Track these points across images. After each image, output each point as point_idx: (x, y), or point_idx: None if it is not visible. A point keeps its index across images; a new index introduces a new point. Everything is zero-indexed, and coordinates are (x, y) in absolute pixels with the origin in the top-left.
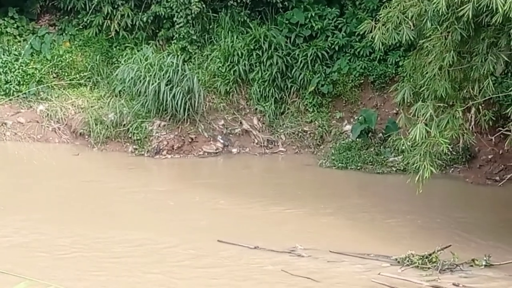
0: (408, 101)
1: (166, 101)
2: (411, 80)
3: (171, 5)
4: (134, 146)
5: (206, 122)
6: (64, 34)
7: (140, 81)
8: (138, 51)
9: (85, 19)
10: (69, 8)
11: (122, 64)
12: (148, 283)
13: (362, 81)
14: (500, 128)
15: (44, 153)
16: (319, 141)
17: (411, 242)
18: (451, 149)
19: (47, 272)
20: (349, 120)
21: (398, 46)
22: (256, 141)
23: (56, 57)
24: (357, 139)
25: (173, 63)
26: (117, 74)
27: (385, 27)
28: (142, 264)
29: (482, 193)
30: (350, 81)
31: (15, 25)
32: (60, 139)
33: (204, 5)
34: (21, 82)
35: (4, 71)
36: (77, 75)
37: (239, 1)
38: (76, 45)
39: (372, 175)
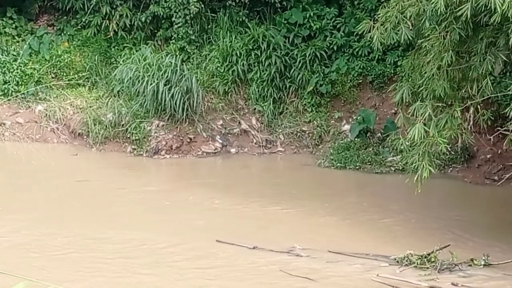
0: (407, 101)
1: (165, 101)
2: (410, 80)
3: (170, 5)
4: (133, 146)
5: (204, 122)
6: (62, 34)
7: (139, 81)
8: (136, 51)
9: (83, 19)
10: (67, 8)
11: (121, 64)
12: (147, 283)
13: (360, 81)
14: (499, 128)
15: (43, 153)
16: (317, 141)
17: (410, 241)
18: (449, 149)
19: (46, 272)
20: (347, 120)
21: (397, 46)
22: (254, 141)
23: (54, 57)
24: (356, 139)
25: (171, 63)
26: (115, 74)
27: (383, 27)
28: (141, 264)
29: (481, 192)
30: (348, 81)
31: (14, 25)
32: (58, 139)
33: (202, 5)
34: (20, 82)
35: (3, 71)
36: (76, 75)
37: (237, 1)
38: (74, 45)
39: (371, 175)
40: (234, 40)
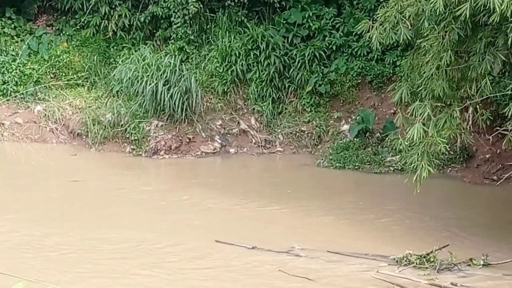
0: (406, 100)
1: (164, 101)
2: (409, 79)
3: (169, 5)
4: (132, 147)
5: (203, 122)
6: (61, 34)
7: (138, 81)
8: (135, 51)
9: (82, 19)
10: (66, 8)
11: (120, 64)
12: (146, 283)
13: (359, 81)
14: (498, 128)
15: (42, 153)
16: (316, 141)
17: (409, 241)
18: (448, 149)
19: (44, 273)
20: (346, 120)
21: (396, 46)
22: (253, 141)
23: (53, 57)
24: (355, 139)
25: (170, 63)
26: (114, 74)
27: (382, 26)
28: (140, 264)
29: (480, 192)
30: (347, 81)
31: (13, 25)
32: (57, 139)
33: (201, 5)
34: (19, 83)
35: (2, 72)
36: (75, 76)
37: (236, 1)
38: (73, 45)
39: (370, 175)
40: (233, 40)
